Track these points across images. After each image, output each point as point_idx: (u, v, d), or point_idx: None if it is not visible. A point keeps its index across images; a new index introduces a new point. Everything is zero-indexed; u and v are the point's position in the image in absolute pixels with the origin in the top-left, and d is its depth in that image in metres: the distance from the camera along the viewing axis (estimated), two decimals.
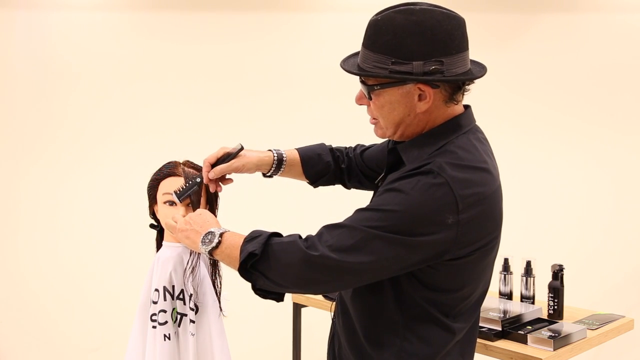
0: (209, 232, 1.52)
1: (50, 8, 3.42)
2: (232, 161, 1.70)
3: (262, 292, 1.49)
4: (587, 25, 3.85)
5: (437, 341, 1.47)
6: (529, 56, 3.85)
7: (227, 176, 1.74)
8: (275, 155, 1.80)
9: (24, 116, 3.44)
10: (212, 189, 1.71)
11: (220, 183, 1.73)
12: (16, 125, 3.43)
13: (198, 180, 1.71)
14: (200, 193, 1.75)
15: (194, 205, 1.72)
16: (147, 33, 3.55)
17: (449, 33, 1.37)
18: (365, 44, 1.43)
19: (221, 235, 1.51)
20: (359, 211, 1.41)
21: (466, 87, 1.45)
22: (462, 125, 1.46)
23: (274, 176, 1.83)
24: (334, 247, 1.36)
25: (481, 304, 1.56)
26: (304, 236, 1.44)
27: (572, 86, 3.86)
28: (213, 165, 1.70)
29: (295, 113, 3.69)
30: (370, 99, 1.46)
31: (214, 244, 1.49)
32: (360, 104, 1.51)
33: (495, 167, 1.48)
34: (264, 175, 1.82)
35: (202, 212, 1.61)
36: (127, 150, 3.54)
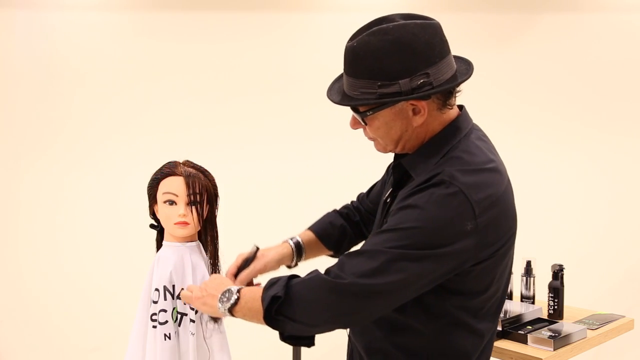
0: (225, 290, 1.49)
1: (51, 8, 3.42)
2: (253, 264, 1.67)
3: (292, 339, 1.46)
4: (587, 25, 3.85)
5: (467, 346, 1.46)
6: (529, 56, 3.85)
7: (255, 280, 1.69)
8: (293, 245, 1.78)
9: (25, 116, 3.44)
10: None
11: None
12: (17, 125, 3.43)
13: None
14: (216, 210, 1.78)
15: (200, 217, 1.73)
16: (147, 33, 3.55)
17: (428, 43, 1.36)
18: (347, 71, 1.41)
19: (238, 291, 1.47)
20: (377, 234, 1.39)
21: (457, 88, 1.44)
22: (461, 128, 1.45)
23: (300, 264, 1.81)
24: (358, 273, 1.34)
25: (504, 301, 1.55)
26: (322, 270, 1.41)
27: (572, 86, 3.86)
28: (236, 275, 1.66)
29: (296, 113, 3.69)
30: (366, 124, 1.45)
31: (232, 301, 1.46)
32: (355, 129, 1.49)
33: (502, 163, 1.49)
34: (288, 267, 1.80)
35: (216, 276, 1.59)
36: (126, 150, 3.54)
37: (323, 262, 1.65)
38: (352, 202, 1.94)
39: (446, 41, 1.41)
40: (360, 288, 1.33)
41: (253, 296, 1.44)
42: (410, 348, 1.47)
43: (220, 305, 1.48)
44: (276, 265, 1.74)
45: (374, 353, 1.52)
